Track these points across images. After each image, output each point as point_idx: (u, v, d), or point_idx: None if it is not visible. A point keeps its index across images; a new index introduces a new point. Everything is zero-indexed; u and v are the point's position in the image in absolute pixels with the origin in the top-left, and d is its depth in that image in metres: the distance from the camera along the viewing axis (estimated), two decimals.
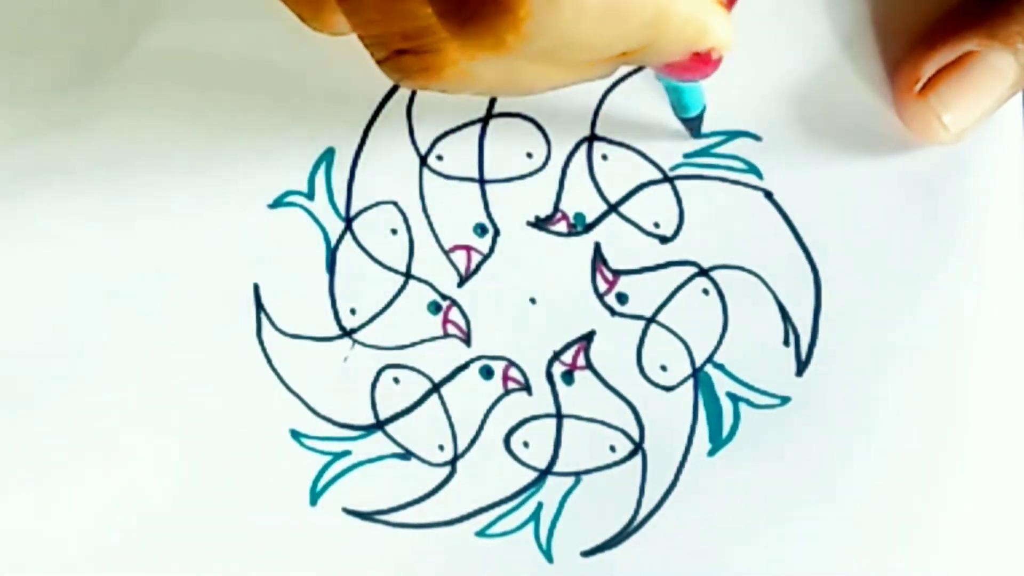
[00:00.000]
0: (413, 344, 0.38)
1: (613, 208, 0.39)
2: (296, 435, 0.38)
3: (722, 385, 0.38)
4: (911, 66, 0.37)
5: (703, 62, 0.31)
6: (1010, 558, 0.38)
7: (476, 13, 0.26)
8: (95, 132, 0.39)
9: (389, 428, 0.38)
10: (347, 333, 0.38)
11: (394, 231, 0.39)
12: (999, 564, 0.38)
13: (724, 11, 0.31)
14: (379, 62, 0.29)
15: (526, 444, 0.38)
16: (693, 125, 0.38)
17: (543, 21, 0.26)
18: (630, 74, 0.39)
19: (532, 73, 0.30)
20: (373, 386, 0.38)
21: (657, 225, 0.39)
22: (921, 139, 0.38)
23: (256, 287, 0.38)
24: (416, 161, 0.39)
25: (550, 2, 0.26)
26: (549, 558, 0.37)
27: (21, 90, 0.39)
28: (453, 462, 0.38)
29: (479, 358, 0.38)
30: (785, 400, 0.38)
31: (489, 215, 0.39)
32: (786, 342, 0.38)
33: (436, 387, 0.38)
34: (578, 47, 0.28)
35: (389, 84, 0.39)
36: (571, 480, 0.38)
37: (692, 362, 0.38)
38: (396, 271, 0.39)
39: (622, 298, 0.38)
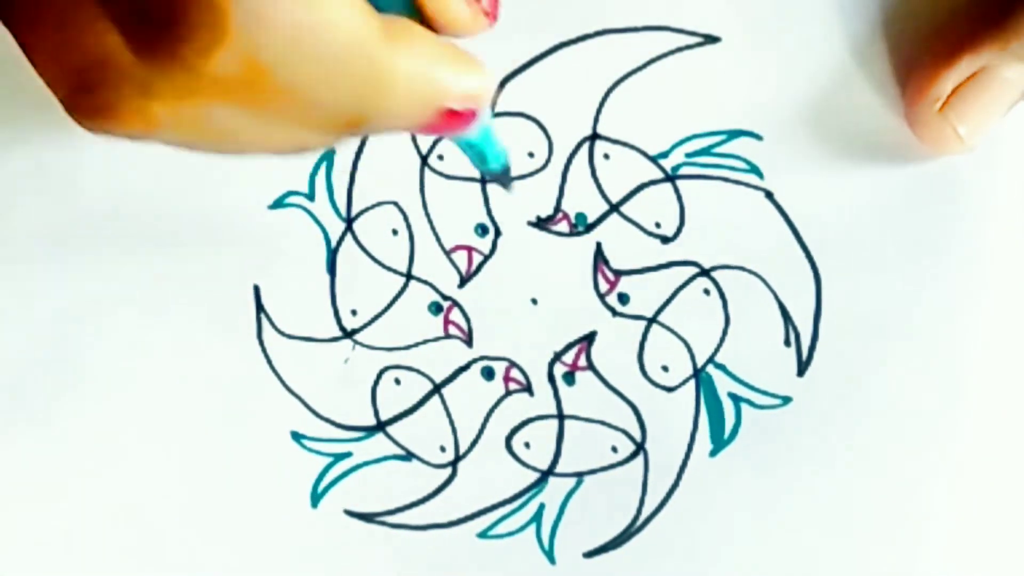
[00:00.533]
0: (414, 345, 0.38)
1: (614, 208, 0.39)
2: (297, 437, 0.38)
3: (723, 385, 0.38)
4: (927, 82, 0.37)
5: (456, 117, 0.29)
6: (1010, 558, 0.38)
7: (177, 28, 0.23)
8: (94, 135, 0.39)
9: (390, 429, 0.38)
10: (348, 334, 0.38)
11: (395, 231, 0.39)
12: (999, 563, 0.38)
13: (469, 59, 0.29)
14: (61, 102, 0.26)
15: (528, 445, 0.38)
16: (502, 181, 0.36)
17: (238, 43, 0.24)
18: (632, 72, 0.39)
19: (232, 128, 0.26)
20: (374, 387, 0.38)
21: (658, 225, 0.39)
22: (935, 151, 0.38)
23: (256, 288, 0.38)
24: (417, 161, 0.39)
25: (255, 20, 0.24)
26: (551, 559, 0.37)
27: (21, 92, 0.39)
28: (454, 463, 0.38)
29: (480, 359, 0.38)
30: (786, 400, 0.38)
31: (490, 215, 0.39)
32: (787, 342, 0.38)
33: (437, 388, 0.38)
34: (273, 91, 0.25)
35: None
36: (573, 481, 0.38)
37: (693, 362, 0.38)
38: (397, 272, 0.38)
39: (623, 298, 0.38)
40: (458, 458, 0.38)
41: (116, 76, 0.25)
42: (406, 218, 0.39)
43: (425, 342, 0.38)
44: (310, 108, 0.26)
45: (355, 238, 0.38)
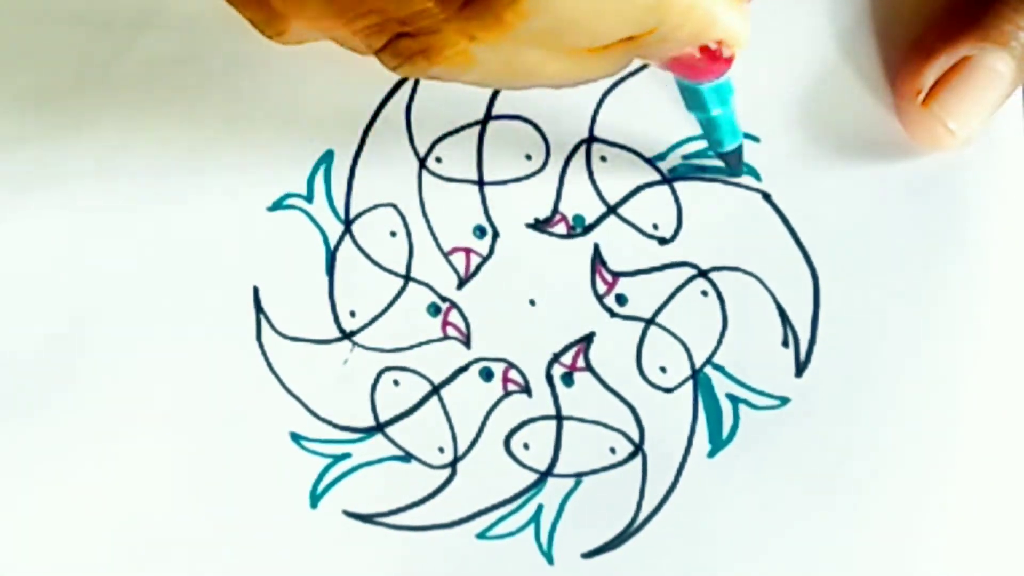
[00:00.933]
0: (413, 346, 0.38)
1: (612, 210, 0.39)
2: (296, 438, 0.38)
3: (721, 386, 0.38)
4: (910, 77, 0.38)
5: (712, 58, 0.31)
6: (1009, 558, 0.38)
7: None
8: (94, 137, 0.39)
9: (389, 430, 0.38)
10: (347, 335, 0.38)
11: (393, 233, 0.39)
12: (998, 564, 0.38)
13: (738, 4, 0.31)
14: (378, 51, 0.29)
15: (526, 446, 0.38)
16: (731, 160, 0.38)
17: (531, 5, 0.26)
18: (629, 75, 0.39)
19: (534, 61, 0.29)
20: (373, 388, 0.38)
21: (656, 227, 0.39)
22: (928, 148, 0.38)
23: (256, 290, 0.38)
24: (415, 163, 0.39)
25: None
26: (550, 560, 0.37)
27: (21, 95, 0.39)
28: (453, 464, 0.38)
29: (479, 360, 0.38)
30: (784, 401, 0.38)
31: (488, 217, 0.39)
32: (785, 343, 0.38)
33: (436, 389, 0.38)
34: (579, 29, 0.28)
35: (388, 86, 0.39)
36: (571, 482, 0.38)
37: (691, 363, 0.38)
38: (395, 273, 0.39)
39: (621, 299, 0.38)
40: (457, 459, 0.38)
41: (440, 23, 0.28)
42: (404, 220, 0.39)
43: (424, 343, 0.38)
44: (597, 35, 0.29)
45: (354, 240, 0.39)
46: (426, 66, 0.29)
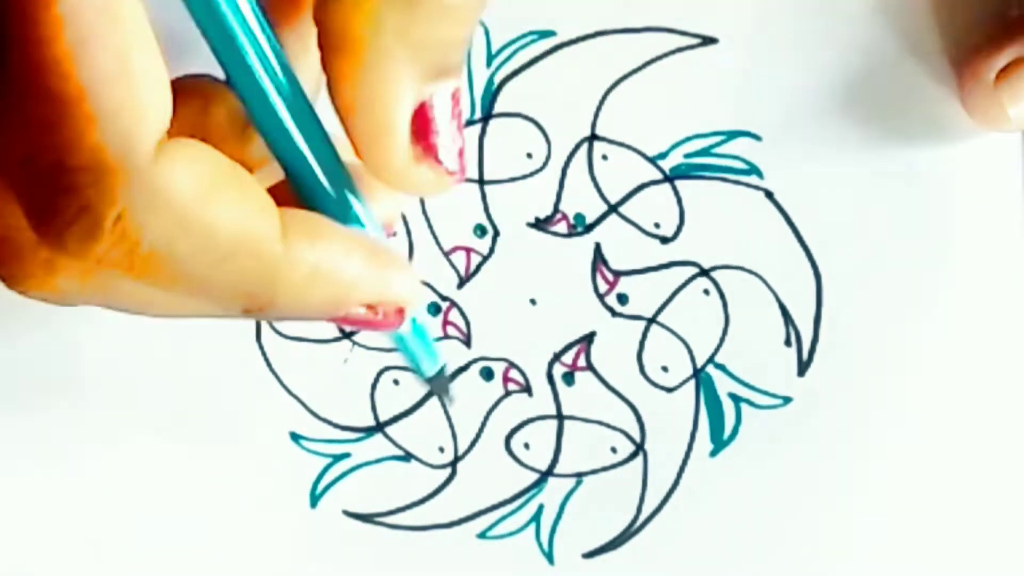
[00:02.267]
0: None
1: (613, 208, 0.39)
2: (296, 437, 0.38)
3: (723, 386, 0.38)
4: (986, 56, 0.37)
5: (370, 321, 0.28)
6: (1009, 557, 0.38)
7: (59, 223, 0.24)
8: None
9: (389, 430, 0.38)
10: (347, 335, 0.38)
11: (393, 233, 0.39)
12: (999, 563, 0.38)
13: (388, 259, 0.28)
14: None
15: (527, 445, 0.38)
16: (437, 386, 0.35)
17: (122, 232, 0.24)
18: (629, 74, 0.39)
19: (141, 298, 0.26)
20: (373, 388, 0.38)
21: (657, 225, 0.39)
22: (982, 125, 0.38)
23: None
24: None
25: (143, 209, 0.24)
26: (551, 560, 0.37)
27: None
28: (453, 464, 0.38)
29: (479, 359, 0.38)
30: (787, 400, 0.38)
31: (489, 216, 0.39)
32: (787, 342, 0.38)
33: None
34: (166, 274, 0.25)
35: None
36: (572, 481, 0.38)
37: (693, 363, 0.38)
38: None
39: (623, 299, 0.38)
40: (457, 459, 0.38)
41: (20, 252, 0.25)
42: (404, 219, 0.39)
43: None
44: (207, 291, 0.26)
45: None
46: (18, 289, 0.27)
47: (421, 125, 0.27)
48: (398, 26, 0.26)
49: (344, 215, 0.28)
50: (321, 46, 0.27)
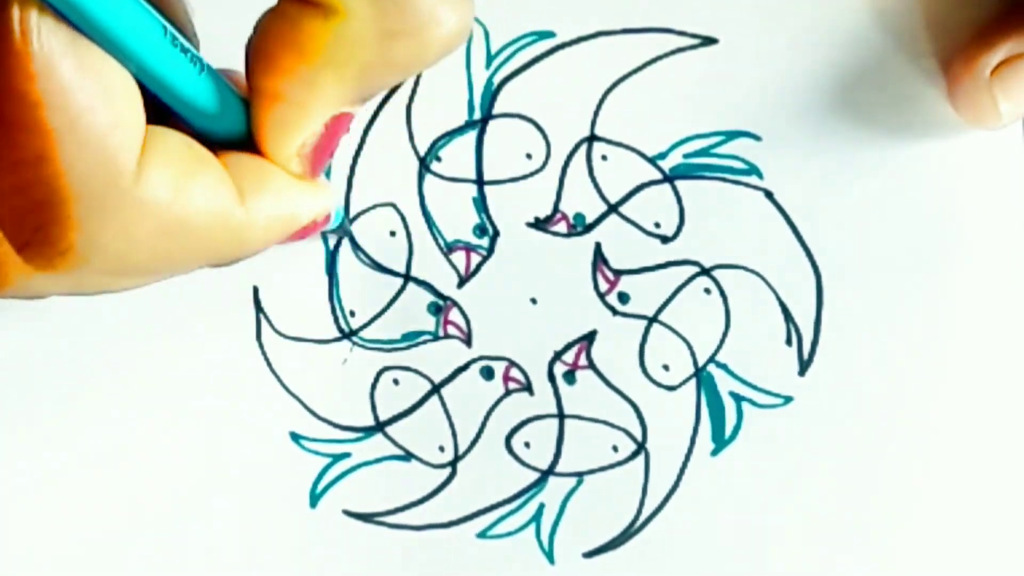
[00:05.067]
0: (413, 345, 0.38)
1: (613, 208, 0.39)
2: (296, 437, 0.38)
3: (725, 384, 0.38)
4: (978, 52, 0.37)
5: (310, 229, 0.32)
6: (1010, 557, 0.37)
7: (28, 241, 0.26)
8: None
9: (389, 429, 0.38)
10: (346, 335, 0.38)
11: (393, 233, 0.39)
12: (999, 563, 0.37)
13: (309, 182, 0.31)
14: None
15: (527, 445, 0.38)
16: (338, 233, 0.38)
17: (90, 251, 0.26)
18: (629, 74, 0.39)
19: (104, 282, 0.28)
20: (373, 388, 0.38)
21: (658, 225, 0.38)
22: (971, 122, 0.38)
23: (256, 289, 0.38)
24: (415, 163, 0.39)
25: (93, 237, 0.26)
26: (551, 559, 0.37)
27: None
28: (454, 463, 0.38)
29: (480, 359, 0.38)
30: (788, 399, 0.38)
31: (488, 216, 0.38)
32: (788, 341, 0.38)
33: (436, 388, 0.38)
34: (142, 270, 0.28)
35: None
36: (573, 481, 0.37)
37: (694, 362, 0.38)
38: (395, 273, 0.38)
39: (623, 298, 0.38)
40: (457, 458, 0.38)
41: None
42: (404, 219, 0.39)
43: (424, 342, 0.38)
44: (180, 269, 0.29)
45: (353, 240, 0.38)
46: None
47: (322, 140, 0.30)
48: (367, 63, 0.28)
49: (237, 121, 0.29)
50: (266, 34, 0.28)
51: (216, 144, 0.29)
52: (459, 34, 0.28)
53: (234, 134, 0.29)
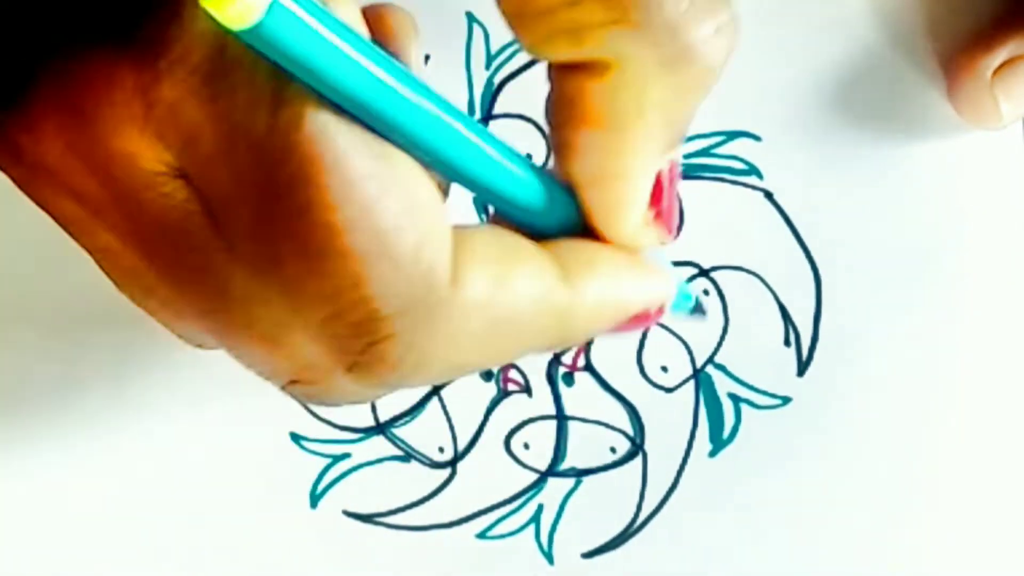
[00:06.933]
0: None
1: None
2: (296, 438, 0.38)
3: (723, 386, 0.38)
4: (980, 53, 0.37)
5: (643, 319, 0.29)
6: (1010, 557, 0.38)
7: (356, 362, 0.25)
8: None
9: (389, 430, 0.38)
10: None
11: None
12: (999, 563, 0.38)
13: (649, 265, 0.29)
14: (281, 388, 0.28)
15: (527, 445, 0.38)
16: (695, 315, 0.35)
17: (419, 361, 0.25)
18: None
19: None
20: None
21: None
22: (972, 122, 0.38)
23: None
24: None
25: (419, 347, 0.25)
26: (550, 560, 0.37)
27: None
28: (453, 464, 0.38)
29: None
30: (786, 400, 0.38)
31: (489, 216, 0.38)
32: (787, 342, 0.38)
33: (436, 389, 0.38)
34: (472, 367, 0.27)
35: None
36: (572, 481, 0.38)
37: (693, 363, 0.38)
38: None
39: None
40: (457, 459, 0.38)
41: (325, 375, 0.26)
42: None
43: None
44: (510, 359, 0.28)
45: None
46: (322, 404, 0.29)
47: (656, 193, 0.28)
48: (661, 101, 0.26)
49: (561, 215, 0.28)
50: (554, 116, 0.27)
51: (549, 236, 0.28)
52: (730, 22, 0.27)
53: (568, 225, 0.28)
